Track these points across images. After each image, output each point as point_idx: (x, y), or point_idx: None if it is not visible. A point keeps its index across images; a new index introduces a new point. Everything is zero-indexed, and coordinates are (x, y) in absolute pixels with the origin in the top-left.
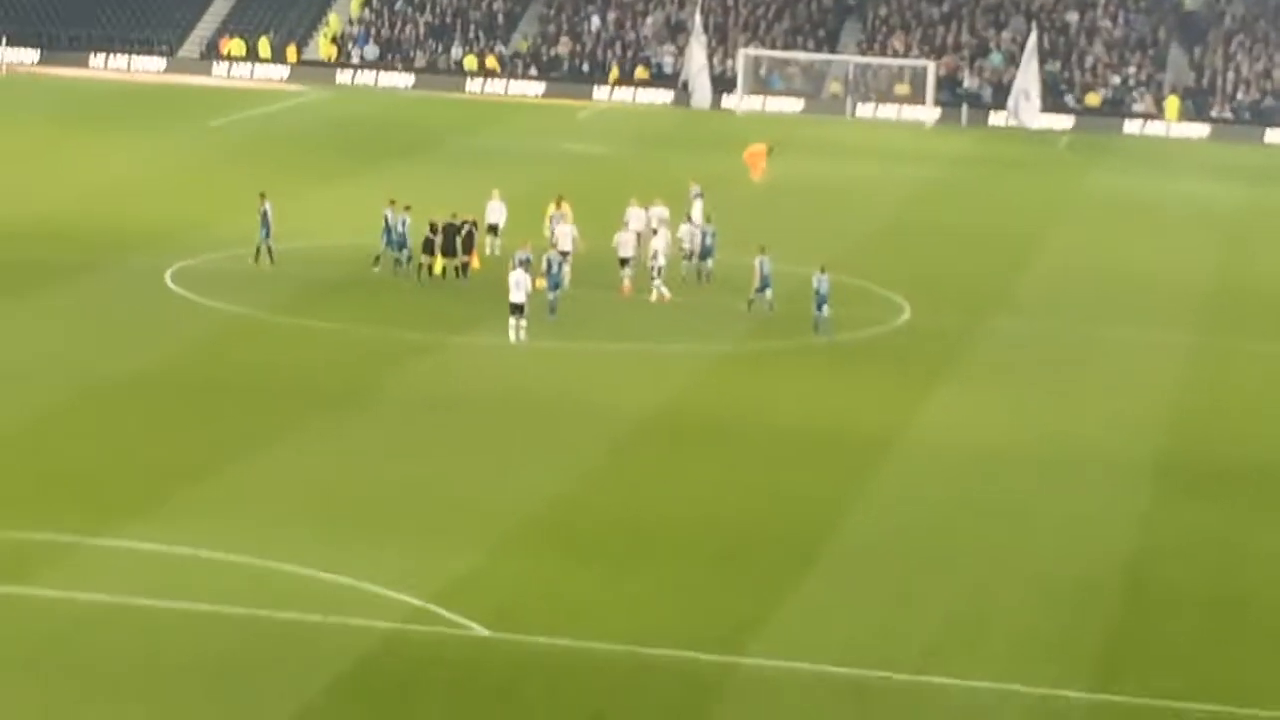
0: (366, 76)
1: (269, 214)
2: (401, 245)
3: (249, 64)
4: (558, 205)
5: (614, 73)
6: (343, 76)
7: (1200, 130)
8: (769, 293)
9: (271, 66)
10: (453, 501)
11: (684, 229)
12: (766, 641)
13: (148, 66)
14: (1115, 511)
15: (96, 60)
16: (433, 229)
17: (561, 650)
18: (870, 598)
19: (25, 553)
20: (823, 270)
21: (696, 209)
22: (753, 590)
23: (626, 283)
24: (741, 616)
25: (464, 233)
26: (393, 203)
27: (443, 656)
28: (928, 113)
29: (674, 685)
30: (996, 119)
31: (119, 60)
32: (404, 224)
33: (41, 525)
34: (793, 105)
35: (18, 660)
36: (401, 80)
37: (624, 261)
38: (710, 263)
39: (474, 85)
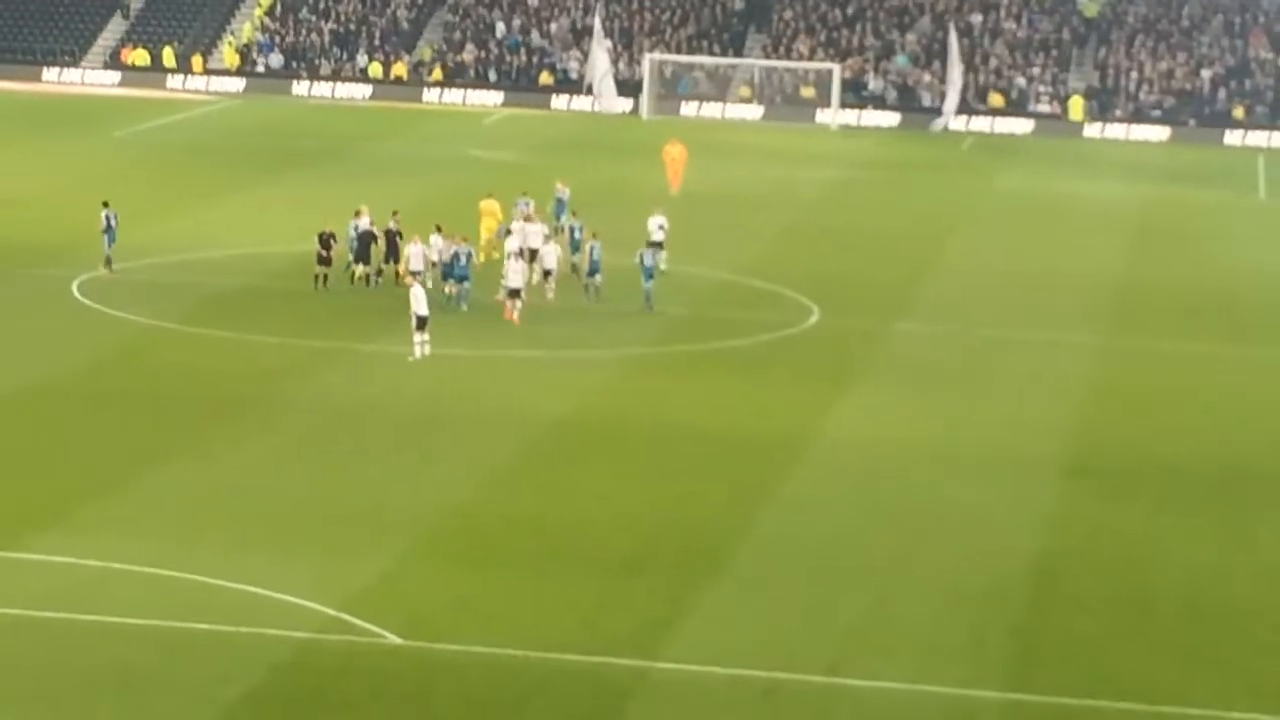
0: (271, 85)
1: (112, 222)
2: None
3: (153, 73)
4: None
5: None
6: (248, 85)
7: (1104, 130)
8: (598, 278)
9: (176, 76)
10: (362, 509)
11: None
12: (678, 645)
13: (53, 76)
14: (1022, 512)
15: (2, 71)
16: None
17: (473, 657)
18: (780, 600)
19: None
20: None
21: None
22: (663, 594)
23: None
24: (652, 620)
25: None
26: (357, 213)
27: (355, 665)
28: (833, 115)
29: (587, 690)
30: (901, 121)
31: (23, 70)
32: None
33: None
34: (700, 109)
35: None
36: (306, 88)
37: (514, 292)
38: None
39: (381, 92)
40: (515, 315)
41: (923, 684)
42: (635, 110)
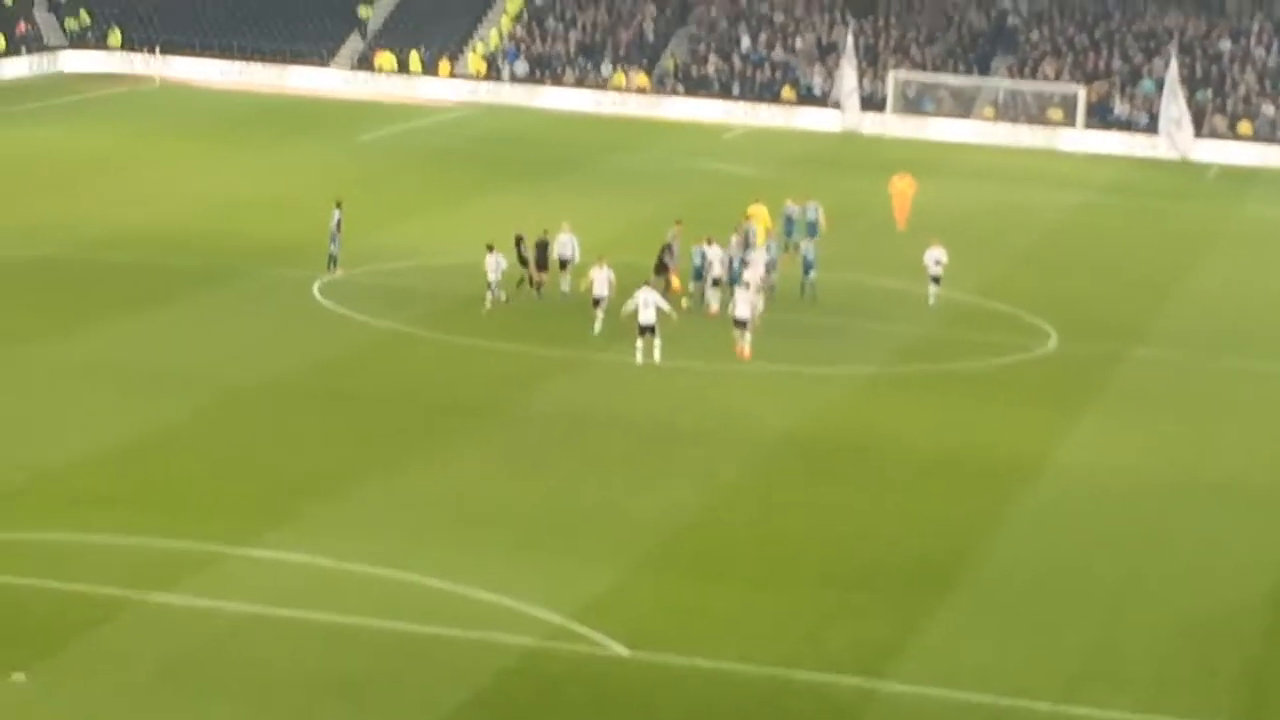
0: (517, 93)
1: (339, 222)
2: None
3: (400, 78)
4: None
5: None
6: (493, 92)
7: None
8: (813, 275)
9: (423, 80)
10: (592, 519)
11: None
12: (905, 665)
13: (301, 79)
14: (1257, 544)
15: (250, 71)
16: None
17: (699, 671)
18: (1009, 626)
19: (171, 560)
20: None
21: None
22: (891, 614)
23: (742, 346)
24: (879, 639)
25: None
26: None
27: (581, 674)
28: (1078, 138)
29: (812, 708)
30: (1148, 146)
31: (273, 72)
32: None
33: (186, 533)
34: (942, 129)
35: (165, 668)
36: (552, 97)
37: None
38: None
39: (624, 103)
40: (746, 349)
41: (1151, 715)
42: (875, 126)
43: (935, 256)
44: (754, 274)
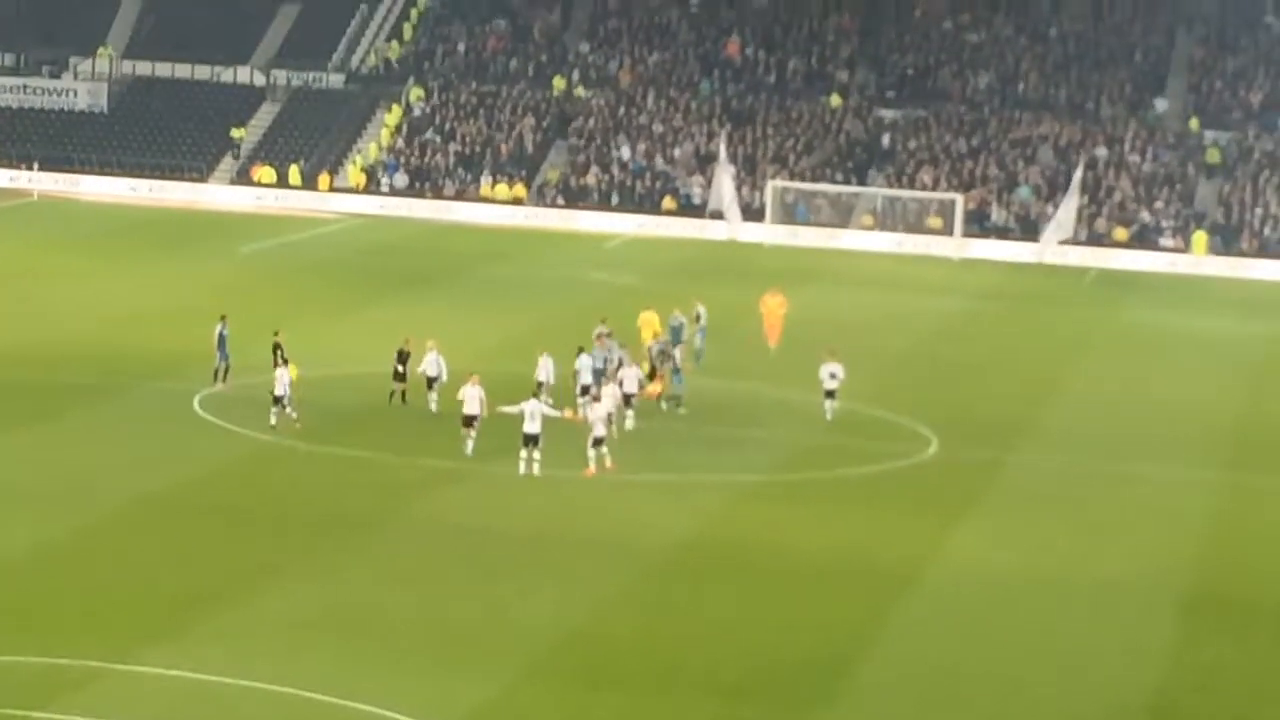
0: (396, 205)
1: (224, 335)
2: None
3: (280, 190)
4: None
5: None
6: (372, 205)
7: (1228, 266)
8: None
9: (302, 194)
10: (476, 628)
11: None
12: None
13: (181, 193)
14: (1140, 646)
15: (128, 185)
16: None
17: None
18: None
19: (50, 678)
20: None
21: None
22: None
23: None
24: None
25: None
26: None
27: None
28: (956, 245)
29: None
30: (1024, 252)
31: (150, 185)
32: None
33: (65, 650)
34: (820, 238)
35: None
36: (431, 209)
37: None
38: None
39: (503, 214)
40: (593, 468)
41: None
42: (753, 236)
43: (831, 370)
44: (611, 393)
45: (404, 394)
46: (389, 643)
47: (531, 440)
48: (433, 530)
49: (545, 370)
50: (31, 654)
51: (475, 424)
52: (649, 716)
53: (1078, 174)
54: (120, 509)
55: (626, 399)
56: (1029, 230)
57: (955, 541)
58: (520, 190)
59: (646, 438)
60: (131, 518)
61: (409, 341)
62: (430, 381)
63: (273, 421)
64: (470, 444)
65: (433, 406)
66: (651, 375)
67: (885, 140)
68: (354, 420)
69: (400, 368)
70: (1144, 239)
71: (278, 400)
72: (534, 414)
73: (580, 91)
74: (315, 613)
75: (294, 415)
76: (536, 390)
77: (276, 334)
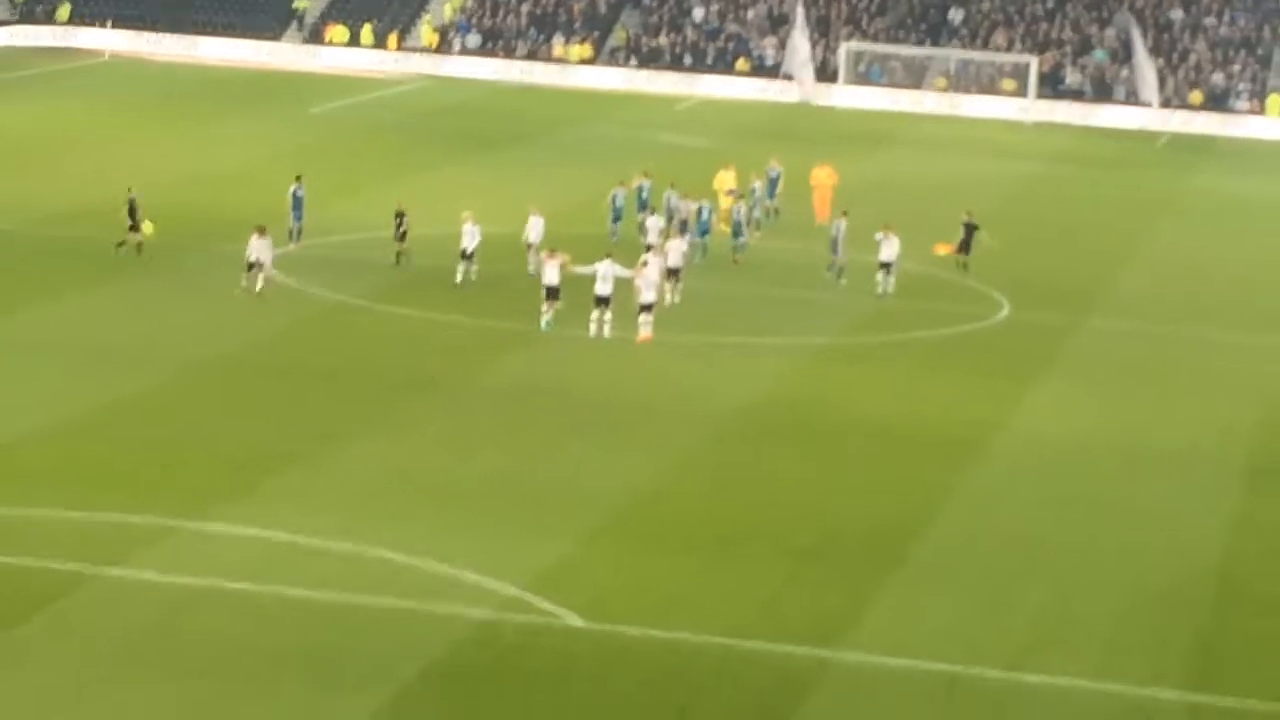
0: (468, 65)
1: (300, 197)
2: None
3: (351, 50)
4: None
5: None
6: (445, 65)
7: None
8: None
9: (374, 53)
10: (546, 491)
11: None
12: (858, 635)
13: (251, 53)
14: (1208, 512)
15: (200, 45)
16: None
17: (654, 641)
18: (962, 594)
19: (124, 535)
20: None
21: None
22: (844, 585)
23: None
24: (833, 609)
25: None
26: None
27: (535, 645)
28: (1030, 108)
29: (765, 679)
30: (1099, 116)
31: (222, 45)
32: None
33: (139, 507)
34: (893, 99)
35: (119, 642)
36: (503, 69)
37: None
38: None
39: (575, 75)
40: (648, 332)
41: (1102, 682)
42: (826, 98)
43: (886, 243)
44: (658, 261)
45: (398, 255)
46: (459, 503)
47: (603, 302)
48: (503, 393)
49: (535, 230)
50: (106, 510)
51: (557, 297)
52: (718, 579)
53: (1136, 36)
54: (190, 369)
55: (671, 272)
56: (1103, 93)
57: (1026, 406)
58: (590, 51)
59: (718, 299)
60: (201, 378)
61: (401, 202)
62: (464, 253)
63: (243, 284)
64: (546, 319)
65: (458, 278)
66: (736, 233)
67: (958, 2)
68: (424, 283)
69: (401, 228)
70: (1218, 103)
71: (250, 267)
72: (606, 275)
73: None
74: (385, 473)
75: (261, 283)
76: (525, 251)
77: (130, 190)
